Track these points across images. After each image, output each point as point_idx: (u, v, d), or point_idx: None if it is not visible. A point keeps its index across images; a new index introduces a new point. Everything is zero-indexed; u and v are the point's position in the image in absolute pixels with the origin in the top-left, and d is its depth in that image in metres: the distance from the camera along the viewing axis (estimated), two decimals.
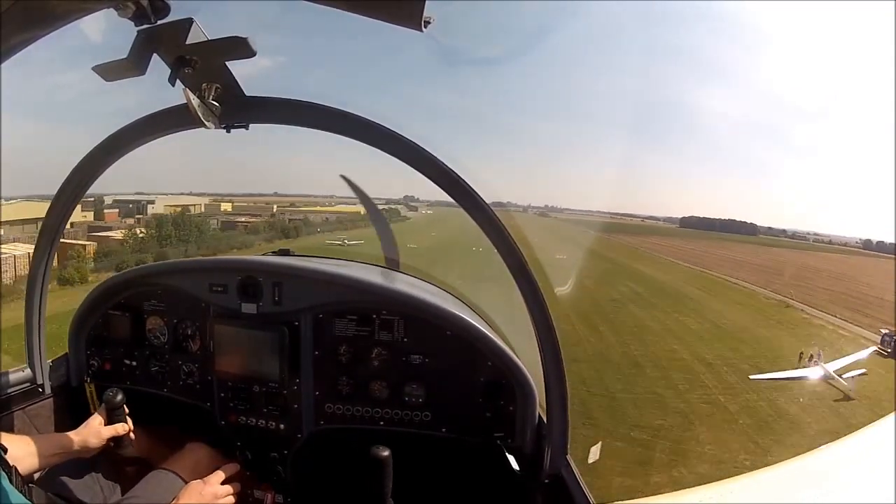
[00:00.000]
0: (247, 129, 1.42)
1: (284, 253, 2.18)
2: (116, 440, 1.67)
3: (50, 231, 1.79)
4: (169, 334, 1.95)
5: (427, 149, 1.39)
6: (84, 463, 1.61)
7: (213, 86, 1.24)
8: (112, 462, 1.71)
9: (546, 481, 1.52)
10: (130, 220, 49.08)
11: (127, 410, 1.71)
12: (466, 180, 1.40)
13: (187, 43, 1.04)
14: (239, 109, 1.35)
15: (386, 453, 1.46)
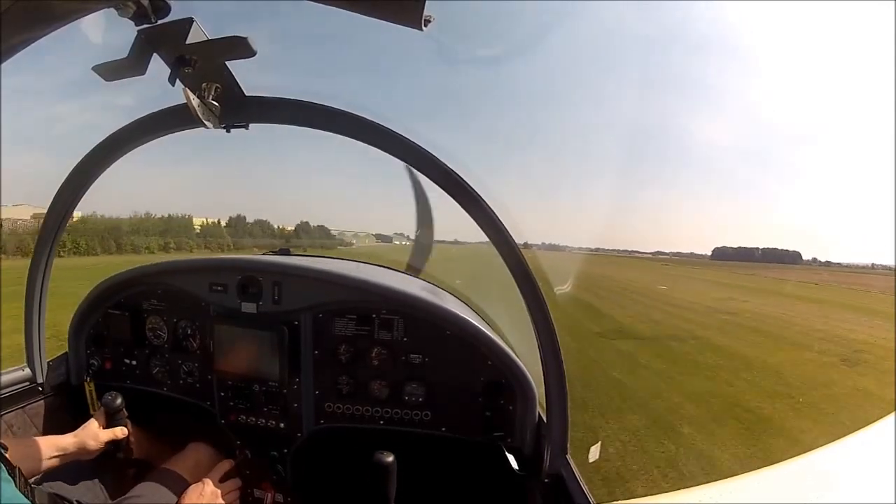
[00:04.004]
0: (247, 128, 1.42)
1: (285, 252, 2.18)
2: (115, 444, 1.67)
3: (50, 231, 1.79)
4: (169, 333, 1.95)
5: (429, 150, 1.39)
6: (84, 463, 1.61)
7: (213, 85, 1.24)
8: (112, 462, 1.71)
9: (546, 481, 1.52)
10: None
11: (126, 414, 1.72)
12: (469, 182, 1.40)
13: (187, 43, 1.04)
14: (239, 109, 1.35)
15: (390, 459, 1.47)
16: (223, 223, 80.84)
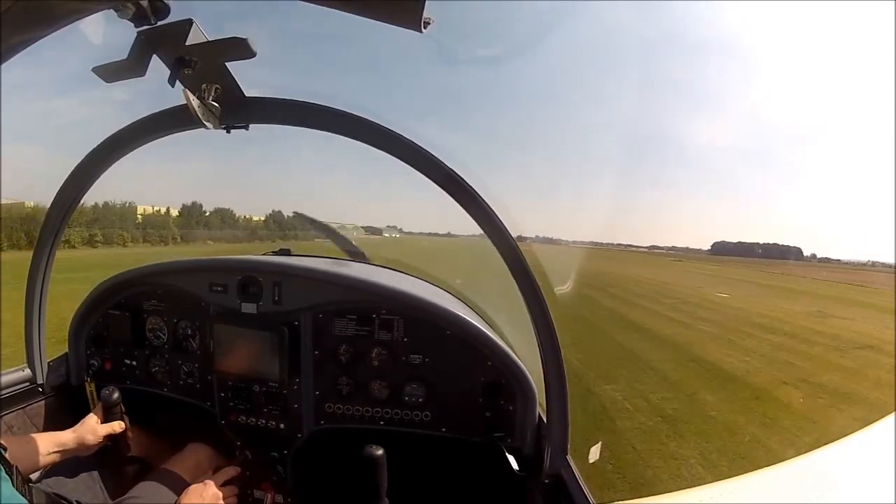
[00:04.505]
0: (247, 129, 1.42)
1: (285, 252, 2.18)
2: (114, 438, 1.68)
3: (50, 230, 1.79)
4: (169, 334, 1.95)
5: (428, 149, 1.39)
6: (83, 462, 1.62)
7: (213, 86, 1.24)
8: (112, 462, 1.71)
9: (546, 481, 1.52)
10: None
11: (124, 409, 1.73)
12: (468, 181, 1.40)
13: (187, 44, 1.04)
14: (238, 110, 1.35)
15: (379, 452, 1.47)
16: (175, 212, 70.23)
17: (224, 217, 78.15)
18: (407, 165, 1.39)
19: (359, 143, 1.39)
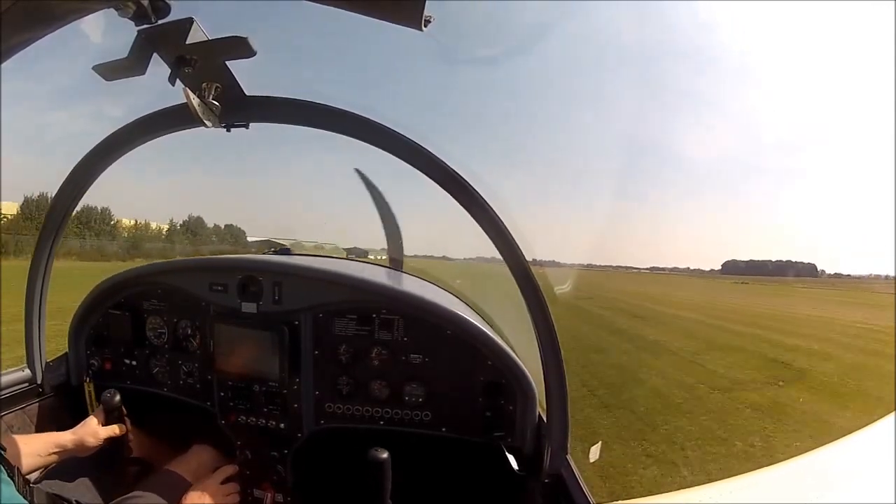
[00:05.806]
0: (247, 128, 1.42)
1: (285, 252, 2.18)
2: (114, 441, 1.68)
3: (50, 231, 1.79)
4: (169, 334, 1.95)
5: (429, 149, 1.39)
6: (84, 463, 1.62)
7: (213, 85, 1.24)
8: (112, 462, 1.71)
9: (546, 481, 1.52)
10: None
11: (125, 411, 1.73)
12: (469, 181, 1.40)
13: (187, 43, 1.04)
14: (239, 108, 1.35)
15: (385, 455, 1.46)
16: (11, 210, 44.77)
17: (91, 219, 50.08)
18: (407, 181, 1.39)
19: (358, 145, 1.39)
